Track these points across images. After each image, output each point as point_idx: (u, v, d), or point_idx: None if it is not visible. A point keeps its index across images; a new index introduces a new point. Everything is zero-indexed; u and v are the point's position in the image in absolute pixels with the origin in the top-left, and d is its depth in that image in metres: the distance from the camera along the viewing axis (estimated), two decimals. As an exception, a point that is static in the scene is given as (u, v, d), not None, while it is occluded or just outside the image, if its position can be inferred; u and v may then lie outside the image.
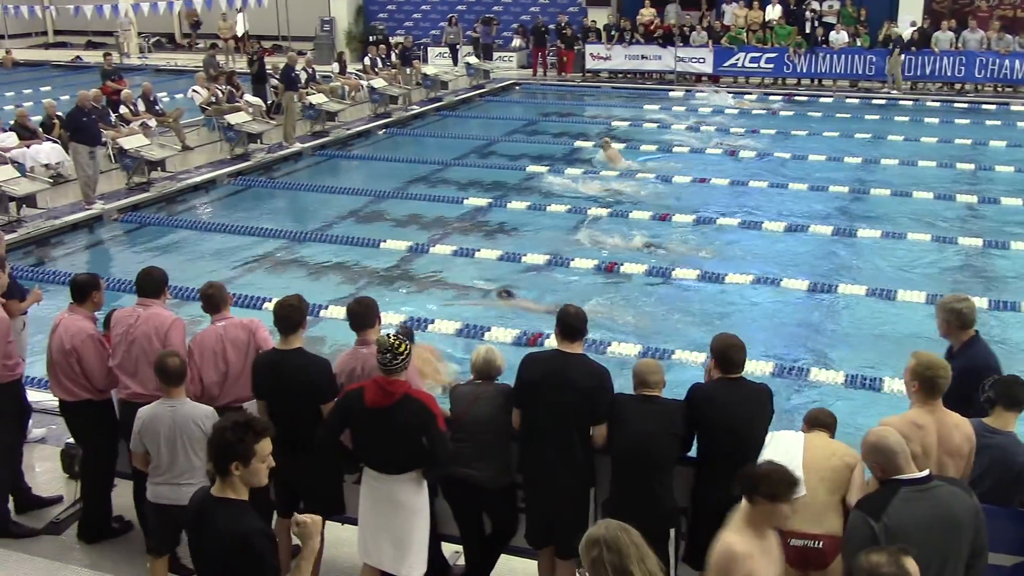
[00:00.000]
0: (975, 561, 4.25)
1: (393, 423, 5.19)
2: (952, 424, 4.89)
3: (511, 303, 11.44)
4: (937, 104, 23.98)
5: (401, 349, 5.16)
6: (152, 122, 18.57)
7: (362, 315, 5.80)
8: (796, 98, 25.10)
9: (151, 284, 6.32)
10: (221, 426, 3.98)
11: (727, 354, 5.29)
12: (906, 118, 22.39)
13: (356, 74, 24.56)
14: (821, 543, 4.75)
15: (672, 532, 5.25)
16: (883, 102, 24.35)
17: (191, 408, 5.49)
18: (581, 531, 3.57)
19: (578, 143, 20.05)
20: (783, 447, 4.98)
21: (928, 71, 25.04)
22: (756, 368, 9.22)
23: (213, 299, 6.23)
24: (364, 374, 5.58)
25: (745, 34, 26.65)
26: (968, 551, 4.20)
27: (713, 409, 5.22)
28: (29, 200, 14.63)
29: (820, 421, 5.21)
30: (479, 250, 13.13)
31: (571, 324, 5.47)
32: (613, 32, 27.68)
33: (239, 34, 31.03)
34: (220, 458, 3.92)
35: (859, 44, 25.56)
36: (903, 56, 24.90)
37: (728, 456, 5.13)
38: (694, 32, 27.04)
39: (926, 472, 4.25)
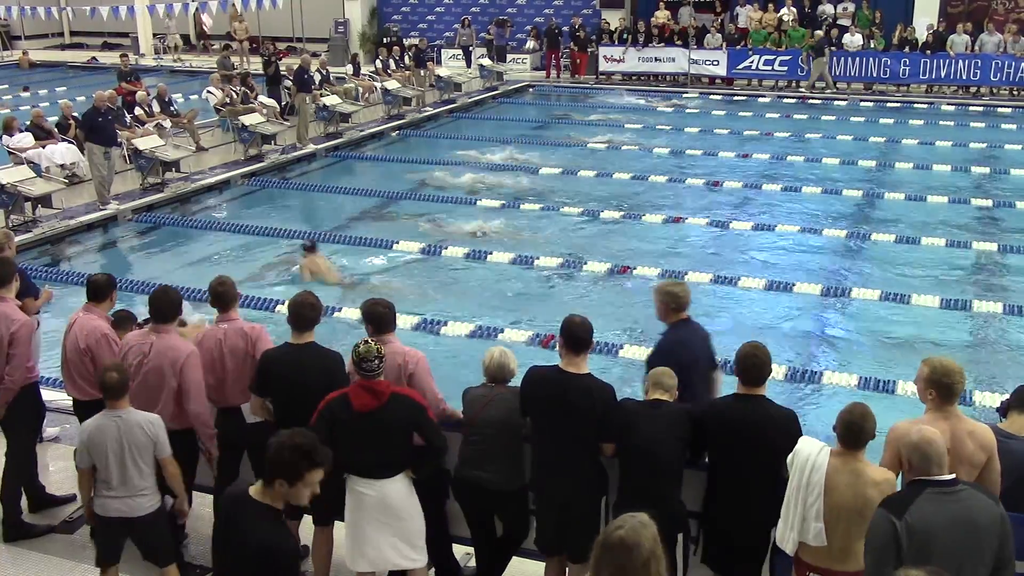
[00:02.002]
0: (1002, 573, 4.18)
1: (385, 423, 5.20)
2: (966, 431, 4.81)
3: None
4: (952, 108, 23.87)
5: (383, 354, 5.20)
6: (167, 123, 18.65)
7: (388, 319, 5.79)
8: (810, 101, 25.04)
9: (168, 307, 6.05)
10: (283, 442, 3.98)
11: (747, 364, 5.12)
12: (921, 121, 22.29)
13: (370, 76, 24.61)
14: None
15: (680, 536, 5.22)
16: (898, 105, 24.27)
17: (136, 415, 5.38)
18: (593, 537, 3.56)
19: (591, 145, 20.04)
20: (804, 487, 4.65)
21: (943, 74, 24.92)
22: (769, 372, 9.19)
23: (223, 297, 6.12)
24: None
25: (764, 35, 26.56)
26: (992, 561, 4.14)
27: (724, 429, 5.10)
28: (44, 200, 14.69)
29: (852, 437, 4.60)
30: (492, 252, 13.13)
31: (576, 335, 5.35)
32: (626, 35, 27.66)
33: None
34: (270, 469, 3.96)
35: (873, 46, 25.46)
36: (829, 57, 25.15)
37: (739, 479, 5.08)
38: (708, 35, 27.00)
39: (953, 476, 4.21)
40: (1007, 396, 5.36)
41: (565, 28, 29.06)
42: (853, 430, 4.60)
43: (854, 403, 4.75)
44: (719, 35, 26.93)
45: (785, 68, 26.15)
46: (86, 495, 5.57)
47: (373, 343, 5.23)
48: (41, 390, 7.03)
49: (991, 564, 4.14)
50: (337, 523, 6.02)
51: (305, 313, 5.75)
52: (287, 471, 3.94)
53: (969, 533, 4.09)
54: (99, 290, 6.44)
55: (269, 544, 3.90)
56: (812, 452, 4.70)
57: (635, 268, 12.49)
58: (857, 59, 25.44)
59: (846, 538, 4.65)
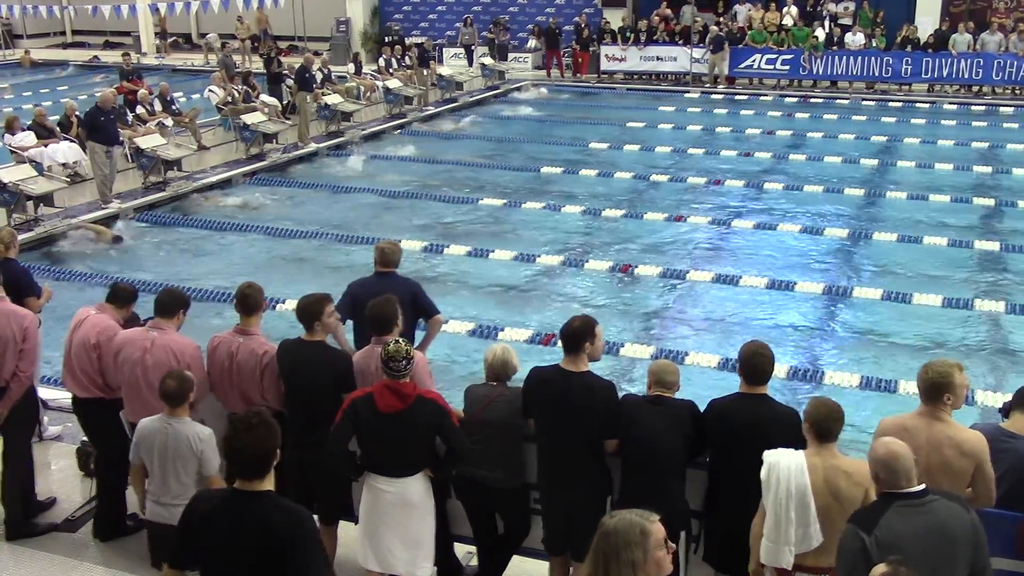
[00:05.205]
0: None
1: (409, 426, 5.20)
2: (946, 436, 4.72)
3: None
4: (954, 107, 23.84)
5: (411, 354, 5.21)
6: (169, 122, 18.65)
7: (389, 320, 5.81)
8: (812, 100, 25.02)
9: (170, 304, 6.15)
10: (250, 443, 3.88)
11: (751, 362, 5.11)
12: (923, 120, 22.28)
13: (371, 75, 24.62)
14: None
15: (683, 534, 5.22)
16: (900, 104, 24.25)
17: (187, 427, 5.38)
18: None
19: (593, 144, 20.04)
20: (793, 495, 4.61)
21: (945, 73, 24.88)
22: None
23: (246, 302, 6.06)
24: (377, 373, 5.58)
25: (765, 35, 26.53)
26: (967, 570, 4.10)
27: (726, 427, 5.08)
28: (46, 199, 14.70)
29: (825, 429, 4.64)
30: (493, 251, 13.14)
31: (565, 335, 5.38)
32: (628, 33, 27.63)
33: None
34: (259, 462, 3.89)
35: (875, 46, 25.44)
36: (728, 52, 26.13)
37: (741, 477, 5.04)
38: (710, 34, 26.93)
39: (922, 486, 4.16)
40: (1009, 396, 5.35)
41: (567, 27, 29.03)
42: (833, 418, 4.64)
43: (822, 398, 4.85)
44: (722, 34, 26.86)
45: (787, 67, 26.13)
46: (138, 489, 5.66)
47: (403, 343, 5.22)
48: (43, 388, 7.06)
49: (966, 572, 4.10)
50: (342, 523, 6.05)
51: (307, 310, 5.87)
52: (276, 446, 3.91)
53: (941, 543, 4.05)
54: (121, 297, 6.49)
55: (295, 523, 3.87)
56: (791, 460, 4.66)
57: (636, 267, 12.49)
58: (859, 58, 25.39)
59: (830, 534, 4.62)
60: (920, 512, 4.07)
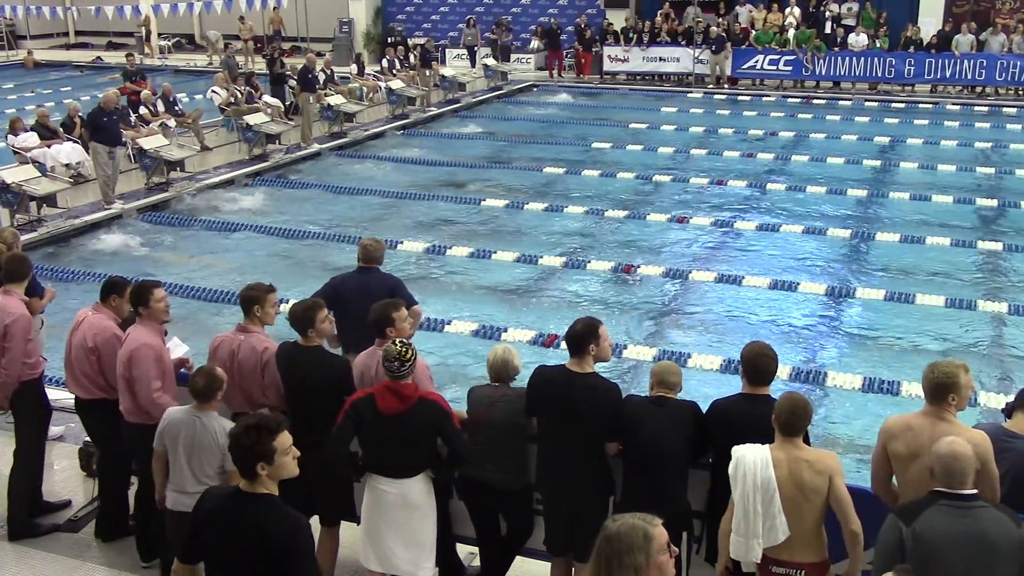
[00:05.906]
0: None
1: (410, 427, 5.21)
2: (950, 435, 4.66)
3: None
4: (957, 107, 23.82)
5: (408, 356, 5.20)
6: (171, 122, 18.67)
7: (385, 321, 5.82)
8: (815, 101, 24.99)
9: (131, 296, 6.18)
10: (235, 433, 3.98)
11: (754, 363, 5.11)
12: (926, 121, 22.27)
13: (374, 75, 24.64)
14: (804, 572, 4.69)
15: (685, 535, 5.22)
16: (903, 105, 24.24)
17: (215, 421, 5.42)
18: None
19: (596, 145, 20.04)
20: (760, 488, 4.63)
21: (948, 74, 24.87)
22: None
23: (243, 302, 6.14)
24: (378, 376, 5.59)
25: (771, 36, 26.52)
26: None
27: (728, 428, 5.05)
28: (49, 200, 14.72)
29: (790, 423, 4.67)
30: (496, 252, 13.14)
31: (570, 336, 5.42)
32: (631, 34, 27.63)
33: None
34: (244, 463, 3.92)
35: (879, 46, 25.42)
36: (729, 52, 26.12)
37: None
38: (709, 35, 26.92)
39: (973, 491, 4.16)
40: (1012, 397, 5.34)
41: (570, 28, 29.02)
42: (797, 413, 4.67)
43: (791, 393, 4.89)
44: (724, 35, 26.86)
45: (790, 68, 26.12)
46: (159, 476, 5.63)
47: (399, 344, 5.22)
48: (46, 389, 7.04)
49: None
50: (344, 523, 6.04)
51: (301, 316, 5.89)
52: (258, 452, 3.91)
53: (980, 551, 4.04)
54: (104, 293, 6.47)
55: (286, 525, 3.89)
56: (756, 454, 4.69)
57: (639, 267, 12.49)
58: (862, 59, 25.37)
59: (798, 527, 4.63)
60: (963, 515, 4.08)
